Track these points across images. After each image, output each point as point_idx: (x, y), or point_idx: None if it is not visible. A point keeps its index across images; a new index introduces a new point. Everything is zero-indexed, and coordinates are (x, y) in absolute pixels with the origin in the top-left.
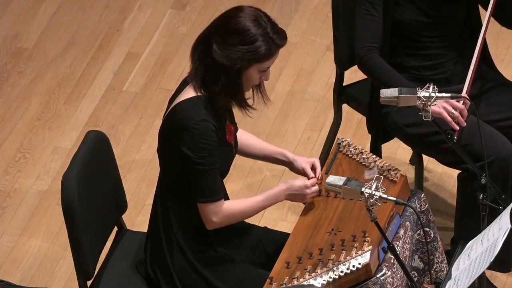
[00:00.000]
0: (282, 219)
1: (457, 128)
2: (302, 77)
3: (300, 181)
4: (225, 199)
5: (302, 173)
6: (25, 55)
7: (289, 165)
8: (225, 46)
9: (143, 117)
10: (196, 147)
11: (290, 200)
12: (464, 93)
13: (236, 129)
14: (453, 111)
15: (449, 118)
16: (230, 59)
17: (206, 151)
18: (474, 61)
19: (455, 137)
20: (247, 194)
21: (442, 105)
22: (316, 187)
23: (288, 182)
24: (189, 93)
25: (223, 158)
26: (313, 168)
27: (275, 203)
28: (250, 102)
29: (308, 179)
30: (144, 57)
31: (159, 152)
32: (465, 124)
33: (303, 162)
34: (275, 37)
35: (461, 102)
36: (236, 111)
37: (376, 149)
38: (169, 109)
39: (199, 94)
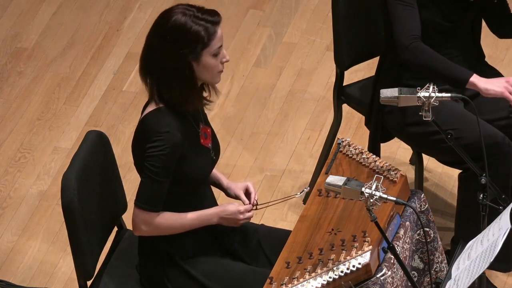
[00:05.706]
0: (282, 219)
1: None
2: (302, 77)
3: (234, 206)
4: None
5: (237, 199)
6: (25, 55)
7: (225, 191)
8: (167, 50)
9: None
10: (153, 156)
11: (222, 223)
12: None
13: (213, 132)
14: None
15: (511, 97)
16: (177, 59)
17: (161, 162)
18: None
19: None
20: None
21: (503, 84)
22: (250, 213)
23: (222, 205)
24: (151, 107)
25: (198, 163)
26: (247, 193)
27: (206, 224)
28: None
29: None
30: None
31: (136, 166)
32: None
33: (237, 189)
34: (205, 16)
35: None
36: (235, 112)
37: (374, 148)
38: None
39: (160, 105)
